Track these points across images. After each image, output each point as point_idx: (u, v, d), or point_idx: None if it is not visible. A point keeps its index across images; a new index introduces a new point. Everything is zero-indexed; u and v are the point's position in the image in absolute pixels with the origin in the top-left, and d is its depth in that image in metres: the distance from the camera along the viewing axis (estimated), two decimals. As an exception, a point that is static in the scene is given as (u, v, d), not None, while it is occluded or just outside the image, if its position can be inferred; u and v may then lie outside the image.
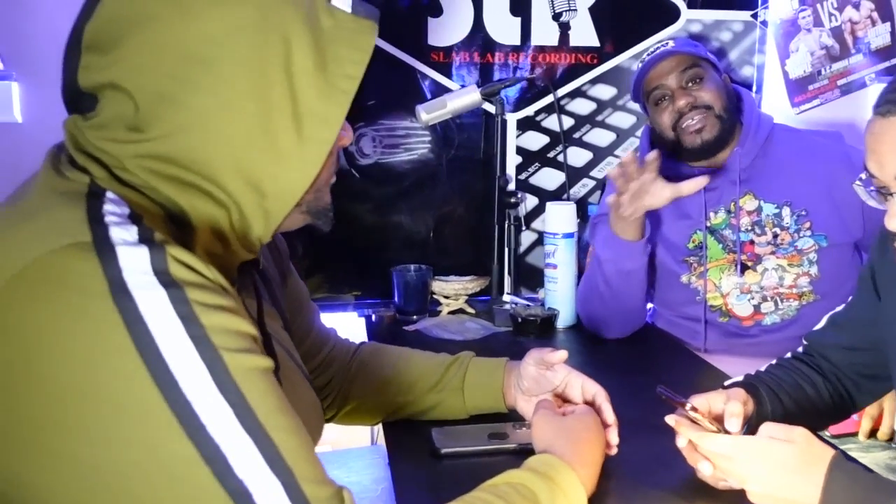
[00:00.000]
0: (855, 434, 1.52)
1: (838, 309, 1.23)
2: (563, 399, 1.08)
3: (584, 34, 1.94)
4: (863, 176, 0.95)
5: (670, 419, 0.94)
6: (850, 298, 1.22)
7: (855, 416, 1.46)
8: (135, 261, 0.59)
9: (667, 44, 1.63)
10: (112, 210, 0.64)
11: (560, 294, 1.71)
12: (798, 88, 2.08)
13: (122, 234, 0.61)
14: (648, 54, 1.64)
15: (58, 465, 0.57)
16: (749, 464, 0.85)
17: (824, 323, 1.24)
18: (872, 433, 1.51)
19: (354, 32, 0.73)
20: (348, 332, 1.27)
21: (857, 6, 2.04)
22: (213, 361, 0.58)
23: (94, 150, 0.69)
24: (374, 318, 1.82)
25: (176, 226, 0.70)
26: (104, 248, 0.59)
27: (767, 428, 0.87)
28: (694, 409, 0.92)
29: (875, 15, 2.05)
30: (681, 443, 0.93)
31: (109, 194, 0.66)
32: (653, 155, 1.48)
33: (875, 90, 2.07)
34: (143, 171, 0.69)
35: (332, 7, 0.73)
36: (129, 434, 0.57)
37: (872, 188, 0.94)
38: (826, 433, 1.47)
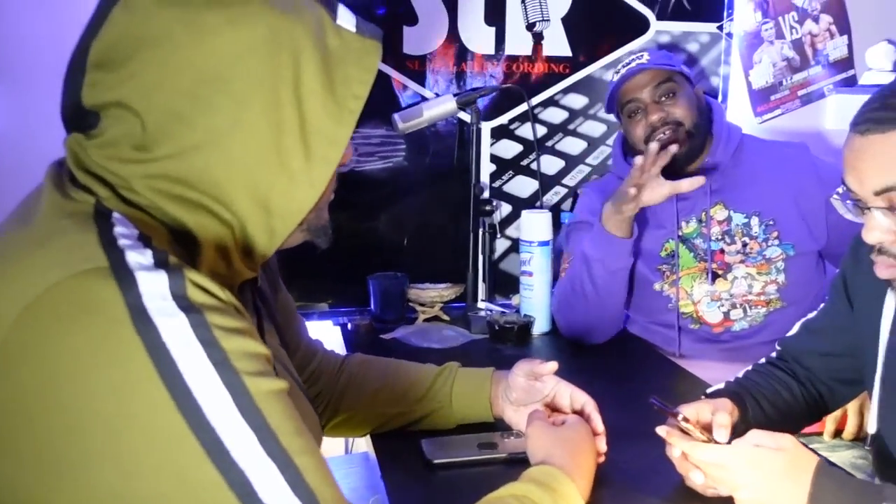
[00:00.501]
0: (819, 434, 1.57)
1: (811, 315, 1.27)
2: (551, 409, 1.10)
3: (557, 44, 1.96)
4: (840, 190, 0.99)
5: (661, 430, 0.96)
6: (822, 306, 1.26)
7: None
8: (154, 286, 0.59)
9: (642, 56, 1.66)
10: (122, 232, 0.63)
11: (536, 301, 1.74)
12: (761, 98, 2.14)
13: (139, 259, 0.60)
14: (624, 66, 1.66)
15: (82, 493, 0.57)
16: (740, 472, 0.88)
17: (797, 329, 1.28)
18: (837, 433, 1.56)
19: (361, 52, 0.74)
20: (324, 341, 1.26)
21: (816, 19, 2.12)
22: (235, 386, 0.58)
23: (99, 170, 0.69)
24: (349, 326, 1.81)
25: (181, 246, 0.70)
26: (123, 274, 0.58)
27: (755, 436, 0.90)
28: (685, 419, 0.94)
29: (833, 28, 2.13)
30: (674, 453, 0.95)
31: (116, 215, 0.66)
32: (654, 147, 1.52)
33: (833, 100, 2.15)
34: (150, 191, 0.68)
35: (338, 27, 0.74)
36: (154, 461, 0.56)
37: (850, 202, 0.97)
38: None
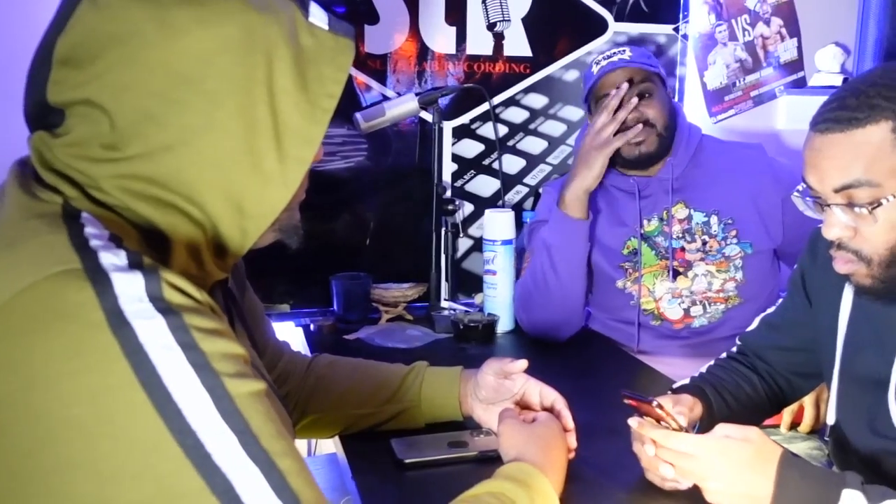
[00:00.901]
0: (776, 426, 1.61)
1: (770, 311, 1.30)
2: (521, 406, 1.11)
3: (518, 44, 1.98)
4: (800, 187, 1.01)
5: (633, 422, 0.98)
6: (780, 301, 1.29)
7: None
8: (130, 288, 0.57)
9: (624, 51, 1.67)
10: (93, 233, 0.62)
11: (500, 300, 1.75)
12: (715, 99, 2.19)
13: (113, 260, 0.59)
14: (605, 58, 1.67)
15: (58, 503, 0.55)
16: (709, 462, 0.89)
17: (757, 324, 1.31)
18: (793, 426, 1.60)
19: (334, 51, 0.73)
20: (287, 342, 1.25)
21: (767, 22, 2.17)
22: (215, 389, 0.57)
23: (66, 169, 0.67)
24: (312, 327, 1.80)
25: (152, 247, 0.68)
26: (97, 276, 0.57)
27: (723, 428, 0.92)
28: (660, 406, 0.95)
29: (784, 31, 2.19)
30: (649, 451, 0.95)
31: (85, 215, 0.64)
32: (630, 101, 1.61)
33: (784, 101, 2.20)
34: (120, 190, 0.67)
35: (311, 25, 0.73)
36: (134, 467, 0.55)
37: (810, 199, 1.00)
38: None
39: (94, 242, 0.60)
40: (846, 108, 0.93)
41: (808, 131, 0.98)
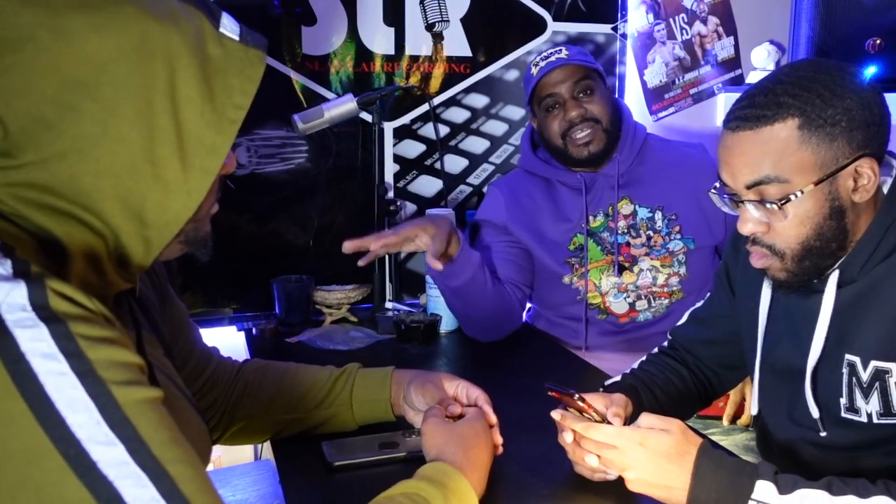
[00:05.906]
0: (718, 417, 1.64)
1: (698, 305, 1.33)
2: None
3: (457, 44, 1.98)
4: (717, 185, 1.03)
5: (556, 414, 0.99)
6: (707, 295, 1.31)
7: (720, 404, 1.58)
8: (12, 297, 0.56)
9: (561, 51, 1.68)
10: None
11: (442, 300, 1.75)
12: (655, 97, 2.22)
13: None
14: (543, 59, 1.67)
15: None
16: (629, 452, 0.91)
17: (686, 319, 1.33)
18: (735, 417, 1.63)
19: (243, 62, 0.73)
20: (228, 346, 1.23)
21: (704, 21, 2.21)
22: (101, 396, 0.57)
23: None
24: (254, 331, 1.78)
25: (48, 256, 0.67)
26: None
27: (646, 418, 0.94)
28: (581, 398, 0.96)
29: (720, 29, 2.23)
30: (567, 438, 0.97)
31: None
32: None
33: (722, 99, 2.24)
34: (14, 199, 0.65)
35: (220, 35, 0.72)
36: (17, 480, 0.54)
37: (726, 196, 1.02)
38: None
39: None
40: (755, 106, 0.95)
41: (721, 130, 1.00)
